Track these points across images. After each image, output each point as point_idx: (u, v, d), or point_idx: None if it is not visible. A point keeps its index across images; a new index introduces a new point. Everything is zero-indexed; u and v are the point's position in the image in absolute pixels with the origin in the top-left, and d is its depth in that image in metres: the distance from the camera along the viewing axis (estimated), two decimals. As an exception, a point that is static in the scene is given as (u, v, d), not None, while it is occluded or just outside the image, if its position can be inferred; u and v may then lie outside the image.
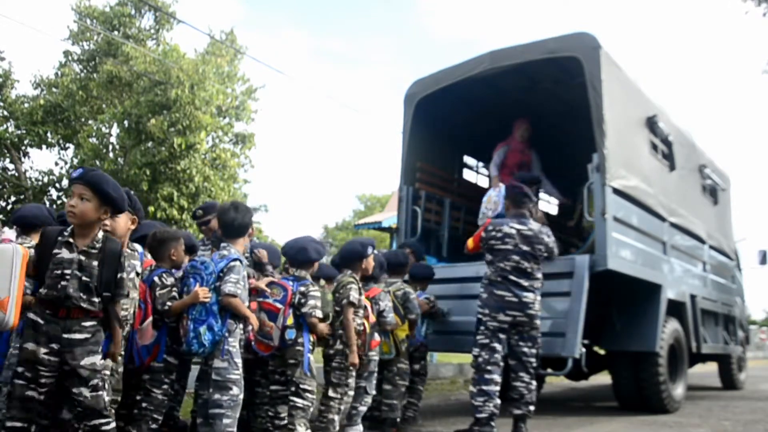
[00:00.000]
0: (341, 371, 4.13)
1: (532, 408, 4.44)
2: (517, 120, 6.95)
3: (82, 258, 2.74)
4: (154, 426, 3.51)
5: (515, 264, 4.50)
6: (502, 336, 4.45)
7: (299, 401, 3.82)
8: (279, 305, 3.83)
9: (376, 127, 76.46)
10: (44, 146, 14.49)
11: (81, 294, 2.71)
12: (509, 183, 5.23)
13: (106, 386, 2.80)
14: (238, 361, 3.47)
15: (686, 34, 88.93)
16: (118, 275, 2.83)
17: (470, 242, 4.85)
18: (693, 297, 6.85)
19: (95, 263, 2.76)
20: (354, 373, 4.17)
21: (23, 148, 14.57)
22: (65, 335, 2.67)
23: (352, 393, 4.20)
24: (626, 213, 5.59)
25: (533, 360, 4.49)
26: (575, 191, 6.77)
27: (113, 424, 2.80)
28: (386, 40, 76.54)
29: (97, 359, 2.74)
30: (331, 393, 4.10)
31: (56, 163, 14.86)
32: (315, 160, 66.54)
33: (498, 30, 79.33)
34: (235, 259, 3.50)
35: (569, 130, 7.28)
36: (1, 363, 3.32)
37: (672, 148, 6.71)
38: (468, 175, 8.00)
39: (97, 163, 13.43)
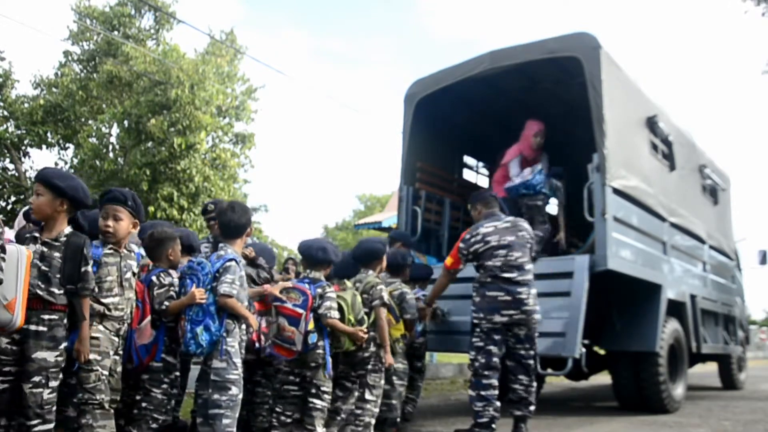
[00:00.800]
0: (376, 373, 4.14)
1: (532, 408, 4.43)
2: (528, 123, 6.62)
3: (44, 249, 2.82)
4: (154, 426, 3.50)
5: (504, 258, 4.43)
6: (497, 337, 4.38)
7: (318, 402, 3.80)
8: (300, 310, 3.76)
9: (376, 127, 76.50)
10: (44, 146, 14.52)
11: (39, 283, 2.75)
12: (476, 192, 5.14)
13: (50, 384, 2.77)
14: (237, 361, 3.45)
15: (686, 33, 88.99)
16: (82, 268, 2.85)
17: (448, 260, 4.75)
18: (693, 297, 6.85)
19: (57, 255, 2.83)
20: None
21: (23, 148, 14.59)
22: (24, 326, 2.71)
23: (380, 394, 4.23)
24: (626, 213, 5.58)
25: (531, 362, 4.45)
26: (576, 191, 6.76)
27: (49, 426, 2.76)
28: (386, 40, 76.62)
29: (49, 355, 2.75)
30: (368, 396, 4.11)
31: (56, 163, 14.88)
32: (315, 160, 66.53)
33: (498, 30, 79.41)
34: (230, 259, 3.48)
35: (569, 130, 7.28)
36: None
37: (672, 148, 6.71)
38: (468, 175, 8.00)
39: (97, 163, 13.45)
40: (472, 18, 75.36)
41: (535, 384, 4.48)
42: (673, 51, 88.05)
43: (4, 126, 14.09)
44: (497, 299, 4.37)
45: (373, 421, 4.17)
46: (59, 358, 2.80)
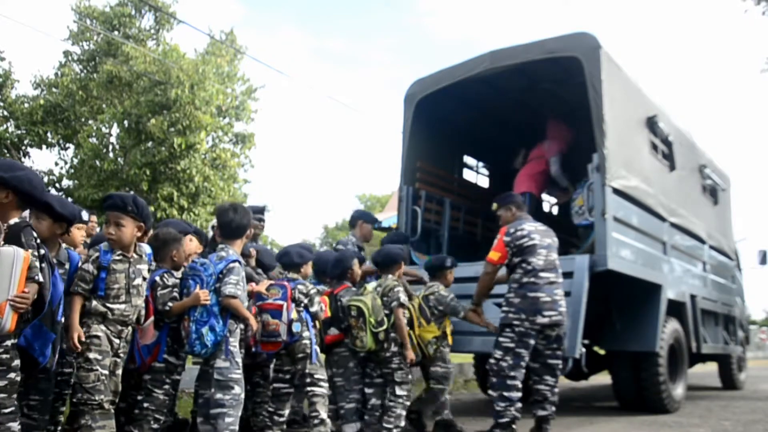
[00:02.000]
0: (402, 370, 4.36)
1: (554, 409, 4.48)
2: (554, 123, 7.07)
3: None
4: (155, 426, 3.51)
5: (545, 258, 4.44)
6: (530, 342, 4.35)
7: (318, 390, 4.01)
8: (281, 302, 3.97)
9: (376, 127, 76.51)
10: (44, 146, 14.49)
11: None
12: (507, 193, 5.15)
13: None
14: (239, 360, 3.50)
15: (686, 33, 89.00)
16: None
17: (494, 255, 4.57)
18: (693, 297, 6.85)
19: None
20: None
21: (23, 148, 14.56)
22: None
23: (410, 388, 4.44)
24: (626, 213, 5.58)
25: (558, 362, 4.47)
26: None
27: None
28: (386, 40, 76.68)
29: None
30: (398, 392, 4.33)
31: (56, 163, 14.91)
32: (315, 160, 66.55)
33: (498, 30, 79.40)
34: (234, 261, 3.53)
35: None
36: None
37: (672, 148, 6.70)
38: (468, 175, 8.00)
39: (97, 163, 13.44)
40: (472, 18, 75.45)
41: (557, 384, 4.53)
42: (673, 50, 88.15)
43: (4, 126, 14.07)
44: (539, 300, 4.34)
45: (404, 413, 4.35)
46: None
